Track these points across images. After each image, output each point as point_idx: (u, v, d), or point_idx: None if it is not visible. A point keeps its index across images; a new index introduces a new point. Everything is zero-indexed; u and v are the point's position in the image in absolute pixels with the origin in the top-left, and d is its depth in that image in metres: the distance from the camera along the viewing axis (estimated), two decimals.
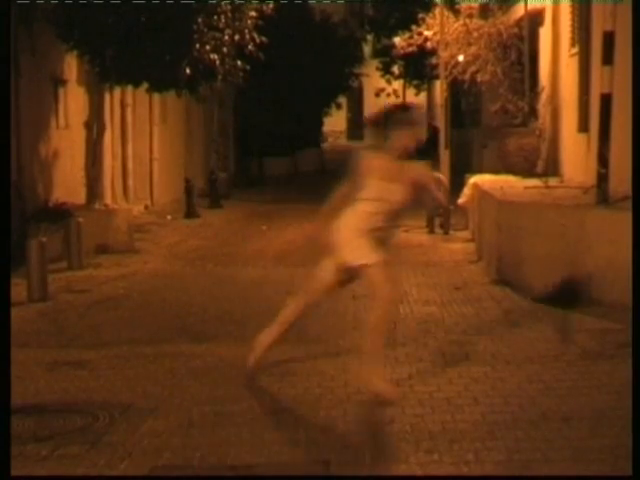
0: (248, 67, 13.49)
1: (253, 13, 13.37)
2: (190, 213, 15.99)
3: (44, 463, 4.27)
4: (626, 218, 6.79)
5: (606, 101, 7.79)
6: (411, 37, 16.28)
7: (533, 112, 13.47)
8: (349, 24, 27.30)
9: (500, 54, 14.94)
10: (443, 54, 14.51)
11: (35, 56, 11.08)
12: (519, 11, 14.57)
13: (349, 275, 5.22)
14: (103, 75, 12.04)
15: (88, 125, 13.20)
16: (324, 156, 30.94)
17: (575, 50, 11.50)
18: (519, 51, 14.71)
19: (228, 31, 12.65)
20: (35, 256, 8.49)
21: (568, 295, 7.50)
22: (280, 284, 9.13)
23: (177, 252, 12.02)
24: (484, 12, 15.94)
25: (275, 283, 9.28)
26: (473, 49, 15.03)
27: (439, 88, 16.63)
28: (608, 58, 7.77)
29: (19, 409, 4.92)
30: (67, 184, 12.37)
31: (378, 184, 5.07)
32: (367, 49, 37.78)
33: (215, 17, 12.29)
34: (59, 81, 12.58)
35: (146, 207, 16.42)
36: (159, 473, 4.15)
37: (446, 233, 12.97)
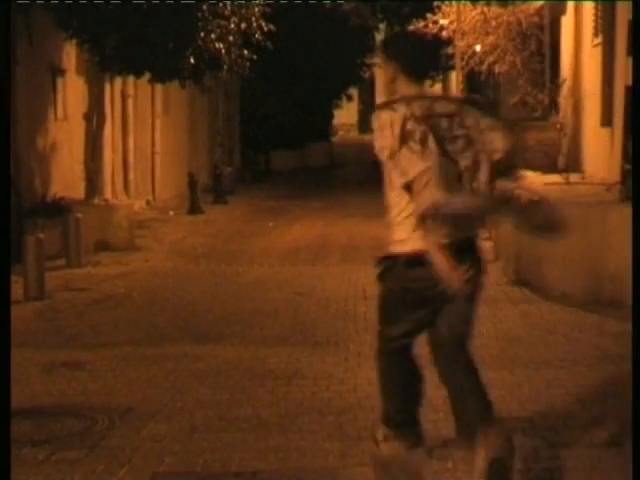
0: (255, 56, 13.47)
1: (260, 0, 13.16)
2: (193, 209, 15.96)
3: (41, 468, 4.22)
4: None
5: (630, 94, 7.66)
6: (426, 26, 16.09)
7: (554, 105, 13.38)
8: (361, 12, 26.94)
9: (519, 44, 14.81)
10: (459, 44, 14.64)
11: (32, 45, 10.93)
12: None
13: None
14: (103, 65, 11.91)
15: (87, 117, 13.12)
16: (334, 150, 30.85)
17: (598, 40, 11.34)
18: (539, 41, 14.62)
19: (234, 19, 12.63)
20: (32, 253, 8.46)
21: None
22: (287, 283, 9.11)
23: (180, 249, 12.02)
24: None
25: (282, 282, 9.32)
26: (491, 39, 14.90)
27: (455, 80, 16.38)
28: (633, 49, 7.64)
29: (15, 412, 4.70)
30: (65, 178, 12.32)
31: None
32: (380, 38, 37.37)
33: (221, 4, 12.24)
34: (57, 71, 12.51)
35: (148, 202, 16.45)
36: (160, 479, 4.11)
37: None
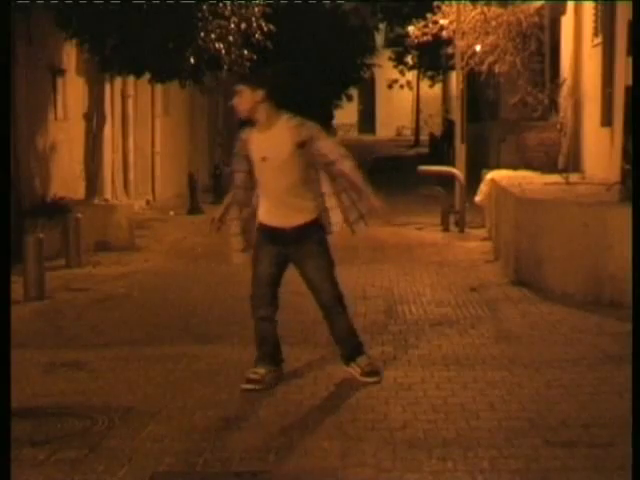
0: (255, 56, 13.32)
1: (260, 0, 13.15)
2: (193, 209, 15.87)
3: (41, 468, 4.21)
4: None
5: (630, 94, 7.59)
6: (426, 26, 16.08)
7: (554, 105, 13.32)
8: (361, 12, 26.88)
9: (519, 44, 14.76)
10: (459, 44, 14.27)
11: (32, 45, 10.93)
12: None
13: None
14: (103, 65, 11.90)
15: (88, 117, 13.17)
16: None
17: (598, 40, 11.31)
18: (539, 41, 14.58)
19: (234, 19, 12.49)
20: (32, 253, 8.45)
21: None
22: (287, 283, 9.00)
23: (180, 249, 11.99)
24: None
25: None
26: (491, 38, 14.84)
27: (455, 79, 16.37)
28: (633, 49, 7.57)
29: (15, 412, 4.72)
30: (65, 178, 12.29)
31: None
32: (379, 38, 37.43)
33: (220, 4, 12.13)
34: (57, 71, 12.45)
35: (148, 202, 16.38)
36: (160, 479, 4.10)
37: (461, 231, 12.79)
